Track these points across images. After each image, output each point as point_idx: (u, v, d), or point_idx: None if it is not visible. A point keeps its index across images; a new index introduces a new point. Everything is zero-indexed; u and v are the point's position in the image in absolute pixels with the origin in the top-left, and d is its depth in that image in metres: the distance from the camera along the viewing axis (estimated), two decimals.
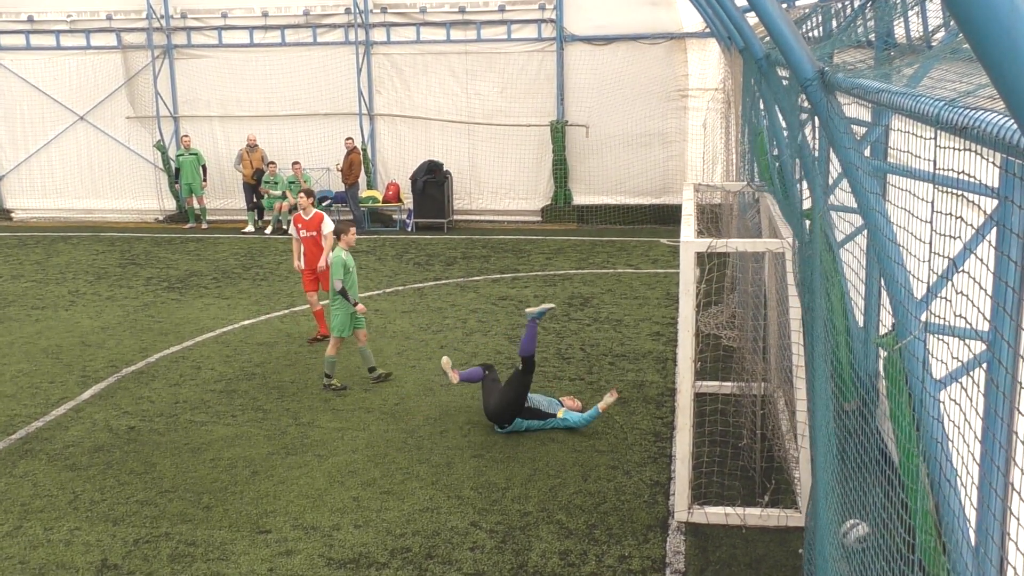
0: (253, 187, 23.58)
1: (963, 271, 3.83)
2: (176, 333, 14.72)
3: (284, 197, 23.16)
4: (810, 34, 10.21)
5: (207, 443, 10.55)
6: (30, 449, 10.49)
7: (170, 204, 25.27)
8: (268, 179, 23.35)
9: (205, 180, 23.90)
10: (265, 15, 24.06)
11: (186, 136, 23.94)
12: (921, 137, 3.99)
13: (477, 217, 24.01)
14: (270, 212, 23.49)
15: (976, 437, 3.75)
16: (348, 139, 23.10)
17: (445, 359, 11.30)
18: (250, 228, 23.36)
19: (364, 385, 12.22)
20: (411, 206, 23.42)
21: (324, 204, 23.81)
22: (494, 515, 8.77)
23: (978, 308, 3.59)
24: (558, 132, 23.09)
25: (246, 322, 15.20)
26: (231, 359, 13.43)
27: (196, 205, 24.06)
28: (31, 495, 9.40)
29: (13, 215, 26.01)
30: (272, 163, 23.50)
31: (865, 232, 8.65)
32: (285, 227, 22.95)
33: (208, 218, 24.28)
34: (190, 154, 23.62)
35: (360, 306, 11.92)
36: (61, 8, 24.65)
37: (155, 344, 14.20)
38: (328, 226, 13.79)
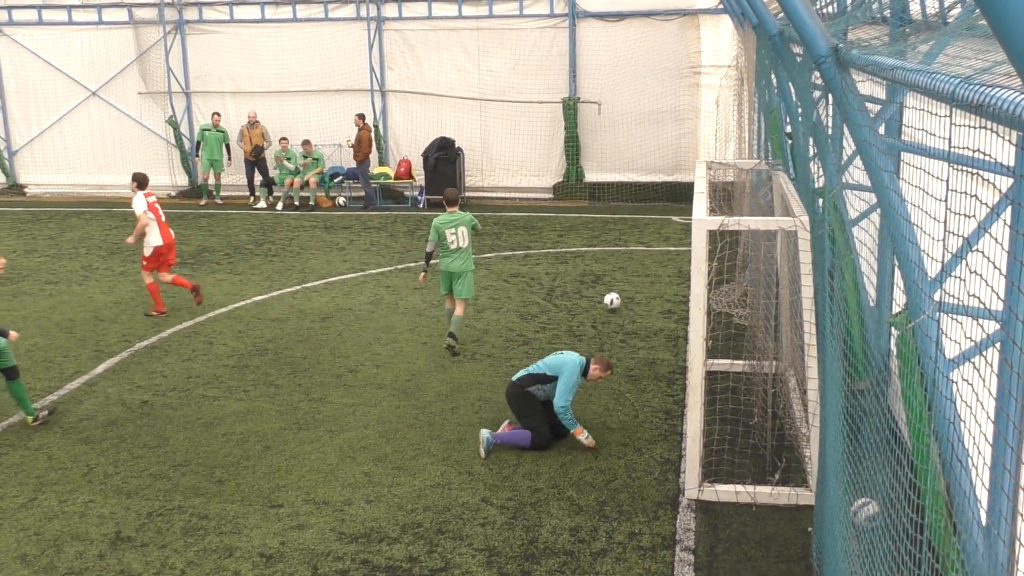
0: (252, 164, 23.60)
1: (977, 250, 3.81)
2: (188, 308, 14.77)
3: (297, 172, 23.16)
4: (824, 10, 10.12)
5: (219, 418, 10.61)
6: (44, 422, 10.57)
7: (183, 180, 25.32)
8: (281, 153, 23.36)
9: (230, 159, 23.92)
10: None
11: (217, 114, 23.90)
12: (936, 115, 3.96)
13: (489, 194, 23.97)
14: (280, 188, 23.49)
15: (989, 417, 3.74)
16: (358, 115, 23.01)
17: (483, 432, 9.69)
18: (261, 204, 23.38)
19: (376, 361, 12.26)
20: (423, 183, 23.41)
21: (336, 180, 23.85)
22: (505, 491, 8.81)
23: (992, 288, 3.57)
24: (570, 109, 22.99)
25: (258, 298, 15.24)
26: (243, 334, 13.49)
27: (213, 180, 24.10)
28: (46, 468, 9.48)
29: (26, 190, 26.09)
30: (284, 139, 23.48)
31: (879, 211, 8.60)
32: (297, 203, 22.99)
33: (222, 194, 24.32)
34: (218, 131, 23.64)
35: (422, 275, 12.88)
36: None
37: (167, 319, 14.26)
38: (135, 206, 14.19)
